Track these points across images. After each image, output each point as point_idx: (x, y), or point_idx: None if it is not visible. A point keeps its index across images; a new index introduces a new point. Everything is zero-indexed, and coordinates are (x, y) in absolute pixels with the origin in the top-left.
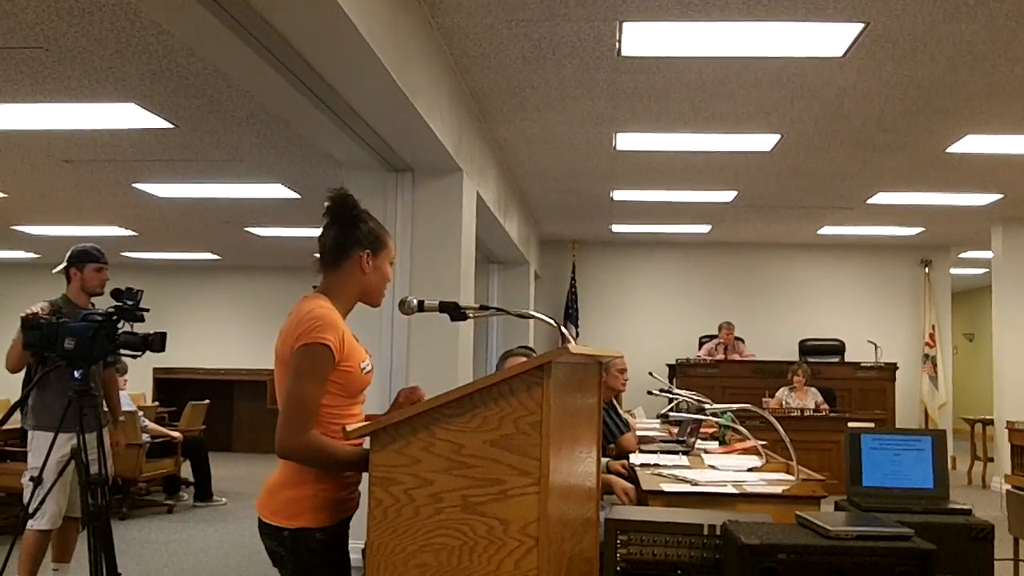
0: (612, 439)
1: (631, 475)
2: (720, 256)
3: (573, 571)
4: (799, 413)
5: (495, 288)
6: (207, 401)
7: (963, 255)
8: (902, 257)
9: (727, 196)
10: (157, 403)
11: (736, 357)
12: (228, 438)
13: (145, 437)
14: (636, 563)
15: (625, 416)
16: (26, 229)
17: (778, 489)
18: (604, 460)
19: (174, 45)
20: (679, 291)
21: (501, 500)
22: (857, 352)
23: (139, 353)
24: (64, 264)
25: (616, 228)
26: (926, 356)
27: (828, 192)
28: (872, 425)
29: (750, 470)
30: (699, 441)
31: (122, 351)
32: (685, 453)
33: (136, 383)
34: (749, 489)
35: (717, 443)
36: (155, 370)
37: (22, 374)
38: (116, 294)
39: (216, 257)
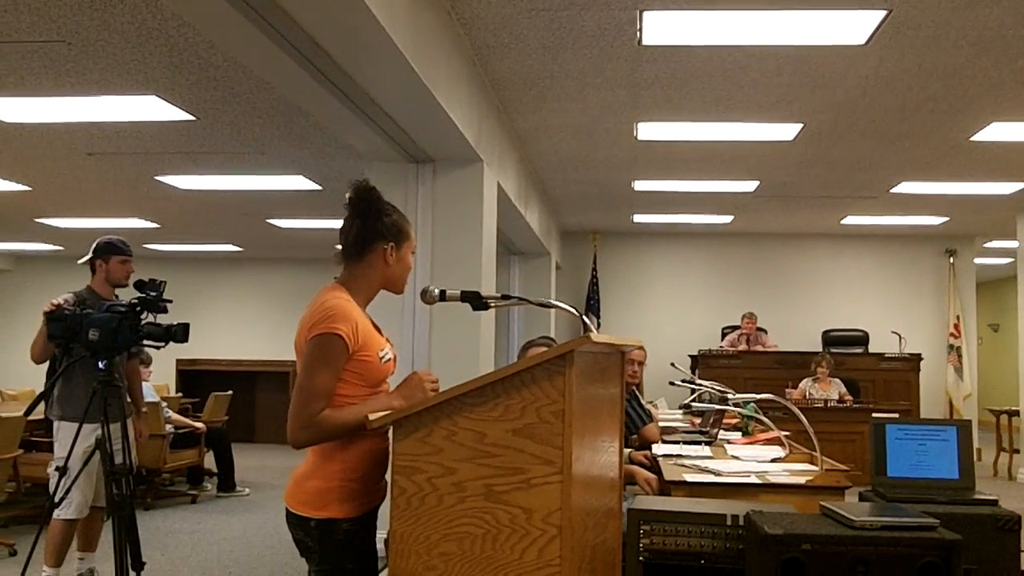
0: (635, 429)
1: (654, 465)
2: (742, 246)
3: (596, 561)
4: (823, 404)
5: (516, 279)
6: (230, 392)
7: (988, 245)
8: (926, 247)
9: (749, 186)
10: (180, 394)
11: (759, 348)
12: (251, 428)
13: (168, 428)
14: (659, 553)
15: (648, 407)
16: (49, 221)
17: (802, 479)
18: (627, 450)
19: (195, 37)
20: (701, 282)
21: (524, 489)
22: (881, 343)
23: (162, 344)
24: (90, 256)
25: (638, 218)
26: (951, 347)
27: (851, 181)
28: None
29: (773, 460)
30: (722, 432)
31: (145, 342)
32: (708, 443)
33: (159, 374)
34: (772, 479)
35: (740, 434)
36: (178, 361)
37: (46, 365)
38: (139, 285)
39: (238, 249)
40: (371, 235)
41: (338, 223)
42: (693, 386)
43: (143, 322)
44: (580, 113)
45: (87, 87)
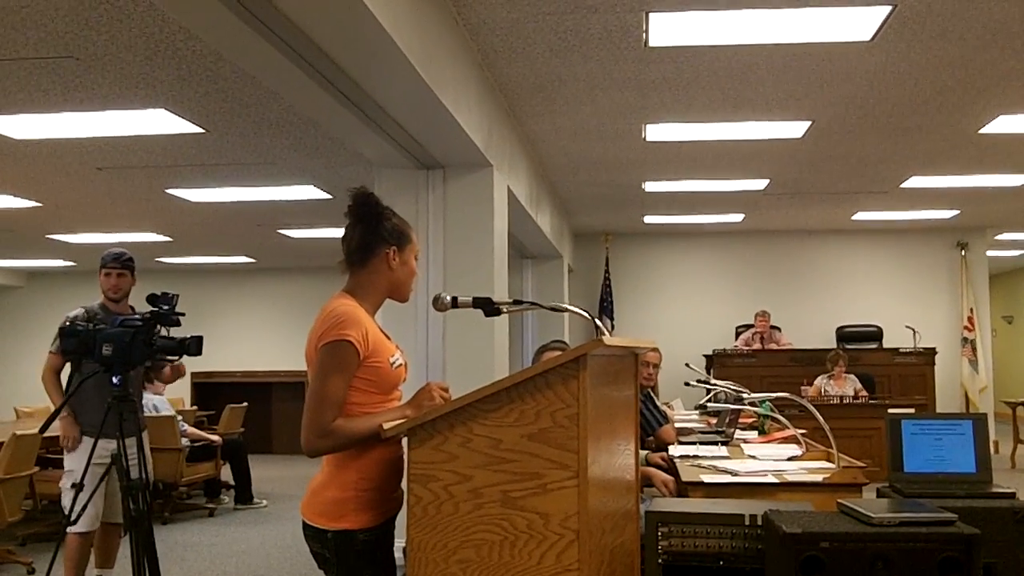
0: (651, 431)
1: (671, 467)
2: (754, 245)
3: (615, 564)
4: (838, 401)
5: (529, 283)
6: (245, 404)
7: (999, 237)
8: (938, 240)
9: (759, 184)
10: (196, 407)
11: (773, 346)
12: (267, 440)
13: (184, 441)
14: (678, 555)
15: (663, 408)
16: (61, 237)
17: (819, 477)
18: (643, 452)
19: (202, 50)
20: (714, 281)
21: (540, 494)
22: (895, 338)
23: (177, 357)
24: None
25: (649, 219)
26: (965, 339)
27: (861, 177)
28: (912, 411)
29: (790, 459)
30: (738, 431)
31: (159, 356)
32: (724, 443)
33: (174, 387)
34: (789, 478)
35: (756, 433)
36: (193, 374)
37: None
38: (152, 299)
39: (251, 260)
40: (373, 240)
41: None
42: (708, 386)
43: (157, 336)
44: (589, 116)
45: (96, 102)
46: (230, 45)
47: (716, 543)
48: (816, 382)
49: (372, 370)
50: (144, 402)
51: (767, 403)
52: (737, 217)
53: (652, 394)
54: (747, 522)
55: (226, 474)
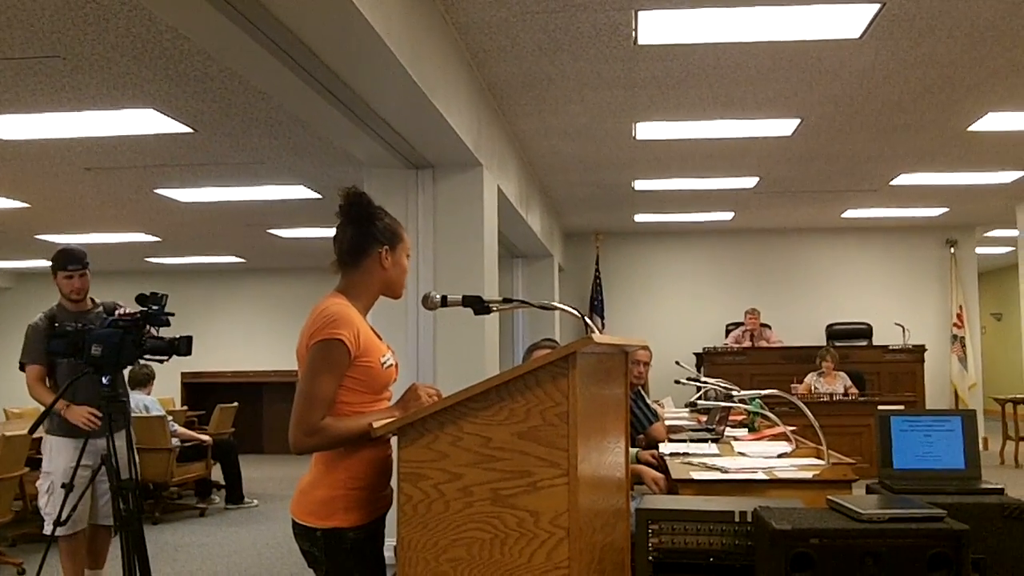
0: (641, 429)
1: (661, 464)
2: (744, 243)
3: (605, 561)
4: (828, 398)
5: (519, 282)
6: (236, 404)
7: (988, 234)
8: (927, 238)
9: (749, 182)
10: (186, 407)
11: (763, 343)
12: (258, 440)
13: (175, 441)
14: (668, 552)
15: (654, 406)
16: (50, 238)
17: (809, 474)
18: (634, 450)
19: (190, 49)
20: (704, 279)
21: (531, 492)
22: (885, 335)
23: (166, 358)
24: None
25: (639, 218)
26: (954, 337)
27: (851, 175)
28: (902, 408)
29: (780, 456)
30: (728, 428)
31: (149, 356)
32: (715, 441)
33: (164, 387)
34: (780, 475)
35: (746, 430)
36: (183, 374)
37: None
38: (141, 299)
39: (240, 260)
40: (365, 240)
41: None
42: (698, 384)
43: (146, 336)
44: (578, 114)
45: (84, 102)
46: (219, 45)
47: (706, 540)
48: (806, 379)
49: (363, 370)
50: (134, 402)
51: (757, 400)
52: (727, 215)
53: (643, 392)
54: (737, 519)
55: (217, 474)
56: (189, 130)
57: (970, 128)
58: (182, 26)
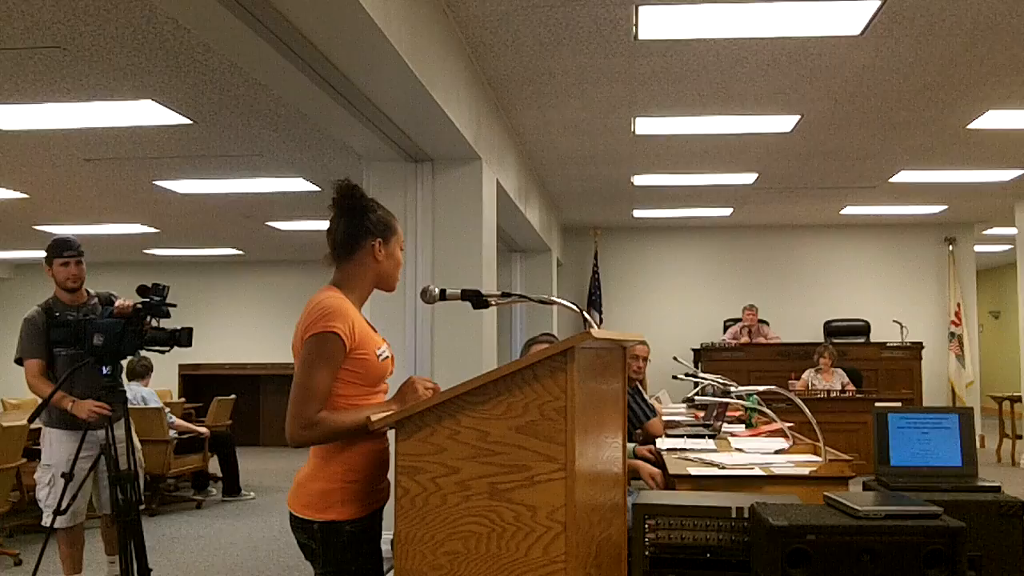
0: (639, 424)
1: (658, 460)
2: (743, 239)
3: (601, 556)
4: (825, 394)
5: (518, 277)
6: (233, 396)
7: (987, 232)
8: (926, 235)
9: (748, 178)
10: (183, 399)
11: (761, 340)
12: (255, 432)
13: (172, 433)
14: (665, 547)
15: (651, 401)
16: (49, 229)
17: (806, 470)
18: (631, 445)
19: (190, 41)
20: (702, 275)
21: (528, 486)
22: (882, 332)
23: (167, 348)
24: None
25: (638, 213)
26: (952, 334)
27: (850, 172)
28: (899, 405)
29: (777, 452)
30: (725, 424)
31: (150, 347)
32: (712, 437)
33: (162, 379)
34: (776, 471)
35: (744, 426)
36: (181, 366)
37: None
38: (143, 290)
39: (239, 252)
40: (358, 233)
41: None
42: (696, 379)
43: (147, 327)
44: (578, 109)
45: (83, 93)
46: (219, 37)
47: (703, 536)
48: (803, 376)
49: (358, 362)
50: (132, 394)
51: (754, 397)
52: (726, 211)
53: (640, 388)
54: (734, 515)
55: (214, 466)
56: (188, 122)
57: (970, 126)
58: (182, 18)
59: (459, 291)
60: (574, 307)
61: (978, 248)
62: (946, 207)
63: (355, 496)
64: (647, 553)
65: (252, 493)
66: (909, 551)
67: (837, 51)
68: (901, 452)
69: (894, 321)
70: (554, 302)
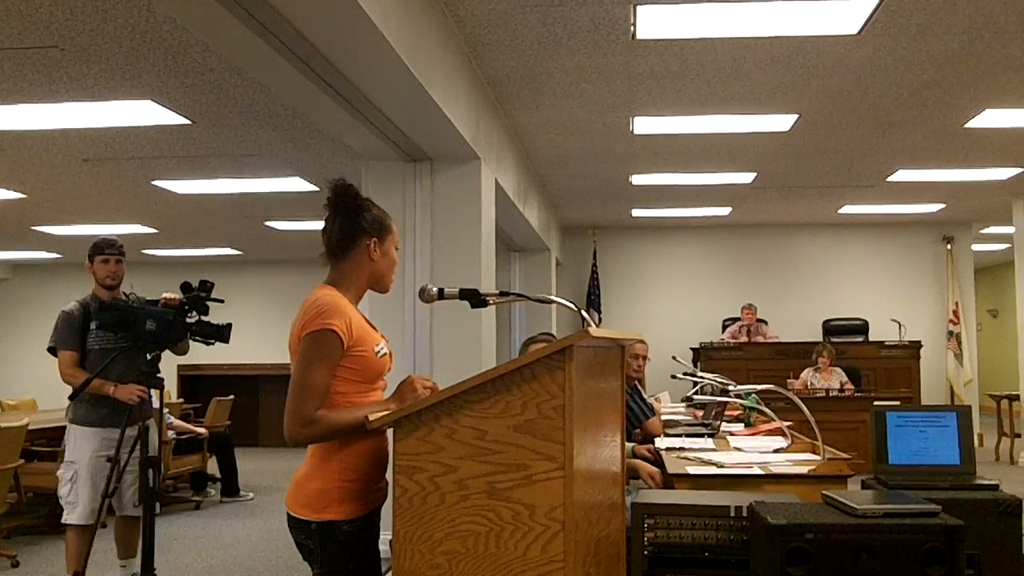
0: (637, 424)
1: (657, 459)
2: (741, 238)
3: (600, 555)
4: (824, 393)
5: (517, 276)
6: (232, 396)
7: (985, 231)
8: (924, 234)
9: (746, 177)
10: (182, 399)
11: (760, 339)
12: (254, 433)
13: (171, 434)
14: (663, 546)
15: (650, 401)
16: (47, 229)
17: (804, 469)
18: (630, 445)
19: (189, 41)
20: (701, 274)
21: (526, 485)
22: (881, 331)
23: (212, 341)
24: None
25: (636, 213)
26: (950, 333)
27: (848, 171)
28: (898, 403)
29: (776, 451)
30: (724, 424)
31: (196, 337)
32: (711, 436)
33: None
34: (775, 470)
35: (742, 425)
36: (179, 367)
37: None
38: (186, 287)
39: (237, 252)
40: (354, 231)
41: None
42: (695, 379)
43: (192, 320)
44: (577, 108)
45: (82, 93)
46: (217, 36)
47: (702, 535)
48: (802, 375)
49: (356, 359)
50: None
51: (753, 396)
52: (724, 210)
53: (639, 387)
54: (733, 514)
55: (212, 467)
56: (187, 122)
57: (967, 124)
58: (180, 17)
59: (457, 290)
60: (572, 306)
61: (976, 247)
62: (944, 206)
63: (353, 496)
64: (646, 552)
65: (251, 493)
66: (907, 549)
67: (835, 50)
68: (899, 451)
69: (892, 320)
70: (552, 301)
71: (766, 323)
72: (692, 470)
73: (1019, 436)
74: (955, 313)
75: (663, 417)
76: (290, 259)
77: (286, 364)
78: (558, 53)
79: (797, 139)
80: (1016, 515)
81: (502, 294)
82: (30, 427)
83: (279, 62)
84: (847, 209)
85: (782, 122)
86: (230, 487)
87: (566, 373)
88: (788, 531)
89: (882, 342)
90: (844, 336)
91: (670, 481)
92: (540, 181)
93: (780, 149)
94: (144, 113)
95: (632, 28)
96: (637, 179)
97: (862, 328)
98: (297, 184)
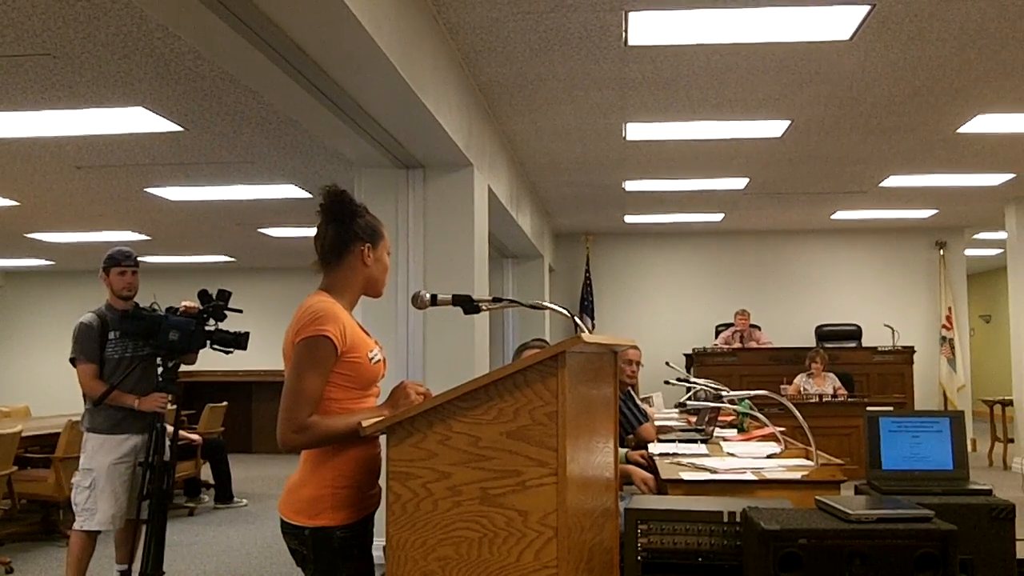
0: (631, 429)
1: (650, 464)
2: (734, 244)
3: (593, 561)
4: (817, 399)
5: (510, 283)
6: (225, 403)
7: (977, 236)
8: (916, 240)
9: (739, 183)
10: (176, 406)
11: (753, 344)
12: (248, 439)
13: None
14: (657, 552)
15: (643, 406)
16: (40, 236)
17: (797, 475)
18: (623, 450)
19: (181, 48)
20: (694, 280)
21: (519, 491)
22: (874, 336)
23: (230, 350)
24: (100, 271)
25: (629, 219)
26: (943, 338)
27: (840, 176)
28: (891, 409)
29: (769, 456)
30: (717, 429)
31: (215, 346)
32: (704, 441)
33: None
34: (768, 475)
35: (735, 431)
36: None
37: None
38: (204, 295)
39: (231, 259)
40: (347, 238)
41: None
42: (688, 384)
43: (212, 328)
44: (569, 115)
45: (74, 100)
46: (209, 43)
47: (695, 540)
48: (795, 380)
49: (350, 365)
50: None
51: (746, 401)
52: (717, 217)
53: (632, 392)
54: (726, 519)
55: (206, 473)
56: (180, 129)
57: (959, 130)
58: (173, 24)
59: (450, 297)
60: (565, 312)
61: (969, 252)
62: (936, 211)
63: (346, 502)
64: (639, 558)
65: (244, 500)
66: (900, 554)
67: (827, 56)
68: (892, 456)
69: (885, 325)
70: (545, 307)
71: (759, 329)
72: (686, 475)
73: (1012, 441)
74: (948, 318)
75: (656, 423)
76: (283, 266)
77: (280, 371)
78: (550, 60)
79: (789, 145)
80: (1009, 520)
81: (495, 300)
82: (23, 434)
83: (272, 70)
84: (840, 215)
85: (774, 128)
86: (224, 494)
87: (559, 379)
88: (781, 536)
89: (875, 347)
90: (837, 342)
91: (664, 487)
92: (533, 187)
93: (772, 155)
94: (137, 120)
95: (624, 35)
96: (630, 185)
97: (855, 334)
98: (290, 191)
